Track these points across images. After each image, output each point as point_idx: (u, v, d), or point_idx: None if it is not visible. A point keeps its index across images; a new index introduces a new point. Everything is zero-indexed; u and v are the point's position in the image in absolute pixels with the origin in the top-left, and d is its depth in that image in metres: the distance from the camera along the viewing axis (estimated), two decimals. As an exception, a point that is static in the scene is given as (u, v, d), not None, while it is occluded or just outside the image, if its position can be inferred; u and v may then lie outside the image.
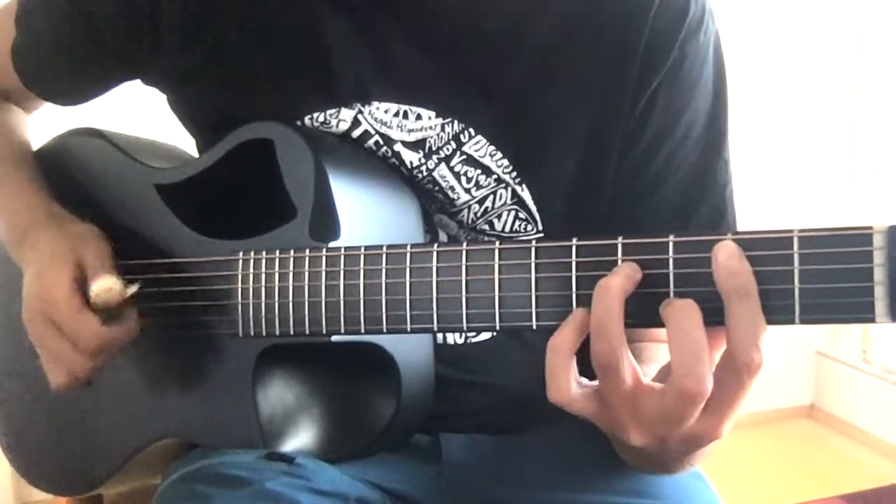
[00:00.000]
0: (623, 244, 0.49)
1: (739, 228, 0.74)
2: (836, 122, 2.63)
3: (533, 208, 0.71)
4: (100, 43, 0.73)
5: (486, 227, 0.71)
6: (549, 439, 0.78)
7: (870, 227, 0.43)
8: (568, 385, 0.50)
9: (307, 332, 0.62)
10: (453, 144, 0.69)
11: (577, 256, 0.51)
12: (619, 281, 0.48)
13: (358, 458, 0.71)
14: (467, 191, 0.70)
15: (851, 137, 2.63)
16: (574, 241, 0.51)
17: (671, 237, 0.48)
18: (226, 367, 0.69)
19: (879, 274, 0.42)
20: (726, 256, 0.46)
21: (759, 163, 2.46)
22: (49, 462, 0.85)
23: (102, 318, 0.67)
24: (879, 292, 0.42)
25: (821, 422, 2.70)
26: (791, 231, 0.44)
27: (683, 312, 0.47)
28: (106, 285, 0.67)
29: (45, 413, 0.83)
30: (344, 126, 0.69)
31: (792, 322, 0.45)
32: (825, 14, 2.57)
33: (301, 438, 0.69)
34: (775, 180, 2.55)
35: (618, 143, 0.69)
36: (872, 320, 0.42)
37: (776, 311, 0.45)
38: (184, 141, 0.81)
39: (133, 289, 0.68)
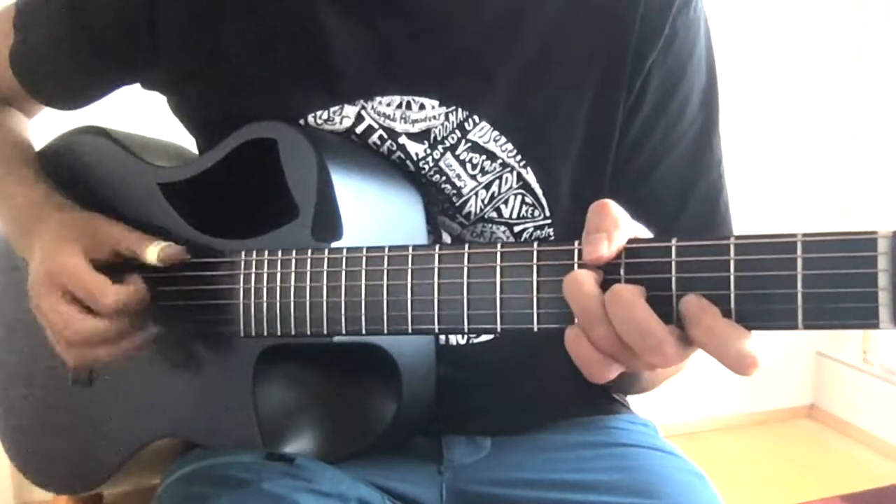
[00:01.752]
0: (625, 248, 0.49)
1: (741, 228, 0.75)
2: (837, 122, 2.63)
3: (539, 192, 0.71)
4: (98, 46, 0.73)
5: (494, 214, 0.71)
6: (550, 440, 0.78)
7: (874, 232, 0.42)
8: (610, 371, 0.50)
9: (308, 332, 0.62)
10: (458, 133, 0.69)
11: (579, 259, 0.50)
12: (585, 272, 0.49)
13: (358, 459, 0.70)
14: (473, 177, 0.70)
15: (852, 136, 2.63)
16: (576, 244, 0.51)
17: (674, 241, 0.48)
18: (226, 366, 0.69)
19: (883, 279, 0.42)
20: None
21: (758, 162, 2.46)
22: (50, 460, 0.85)
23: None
24: (883, 298, 0.42)
25: (821, 422, 2.70)
26: (794, 235, 0.44)
27: (620, 300, 0.47)
28: (162, 245, 0.68)
29: (47, 412, 0.84)
30: (347, 122, 0.69)
31: (795, 328, 0.44)
32: (824, 13, 2.56)
33: (301, 439, 0.69)
34: (776, 180, 2.55)
35: (618, 121, 0.70)
36: (876, 326, 0.42)
37: (779, 316, 0.45)
38: (185, 140, 0.81)
39: (187, 256, 0.69)
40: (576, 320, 0.49)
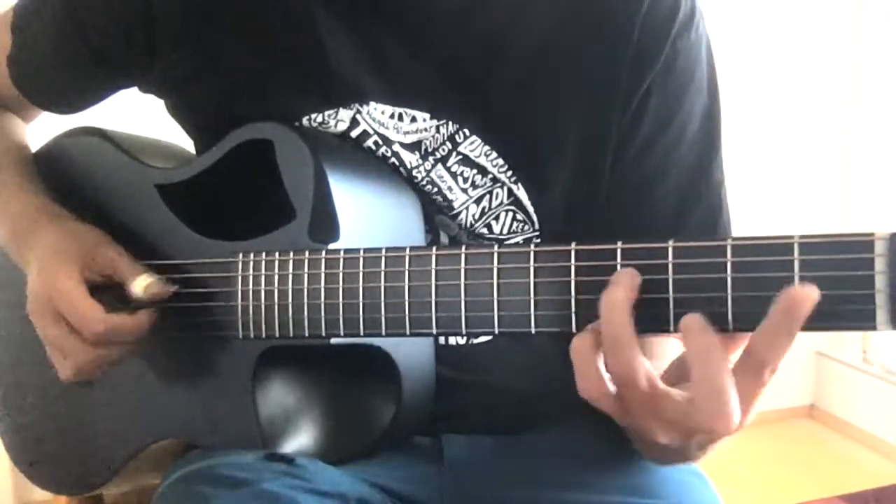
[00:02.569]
0: (622, 249, 0.49)
1: (739, 230, 0.75)
2: (836, 125, 2.63)
3: (530, 208, 0.71)
4: (95, 50, 0.73)
5: (485, 230, 0.71)
6: (550, 439, 0.78)
7: (871, 234, 0.42)
8: (599, 381, 0.50)
9: (306, 334, 0.62)
10: (449, 145, 0.69)
11: (576, 261, 0.50)
12: (623, 293, 0.48)
13: (358, 459, 0.70)
14: (464, 191, 0.70)
15: (851, 139, 2.63)
16: (573, 245, 0.50)
17: (670, 242, 0.48)
18: (226, 368, 0.69)
19: (880, 281, 0.42)
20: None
21: (757, 165, 2.45)
22: (50, 461, 0.85)
23: (108, 308, 0.67)
24: (880, 300, 0.42)
25: (821, 422, 2.70)
26: (791, 237, 0.44)
27: (708, 352, 0.46)
28: (153, 279, 0.67)
29: (48, 412, 0.84)
30: (342, 126, 0.69)
31: (793, 329, 0.44)
32: (824, 14, 2.56)
33: (301, 440, 0.69)
34: (774, 182, 2.55)
35: (613, 141, 0.69)
36: (874, 328, 0.42)
37: (777, 318, 0.45)
38: (183, 140, 0.81)
39: (174, 287, 0.68)
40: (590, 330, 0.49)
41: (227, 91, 0.71)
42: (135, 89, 0.77)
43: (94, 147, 0.79)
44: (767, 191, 2.50)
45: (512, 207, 0.71)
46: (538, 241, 0.72)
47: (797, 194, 2.59)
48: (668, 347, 0.64)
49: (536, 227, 0.71)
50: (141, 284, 0.67)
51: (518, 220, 0.71)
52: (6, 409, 0.89)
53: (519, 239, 0.72)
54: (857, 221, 2.57)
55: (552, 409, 0.80)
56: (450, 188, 0.70)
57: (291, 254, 0.62)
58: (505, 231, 0.71)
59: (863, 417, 2.57)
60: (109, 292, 0.69)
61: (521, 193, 0.70)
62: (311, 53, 0.68)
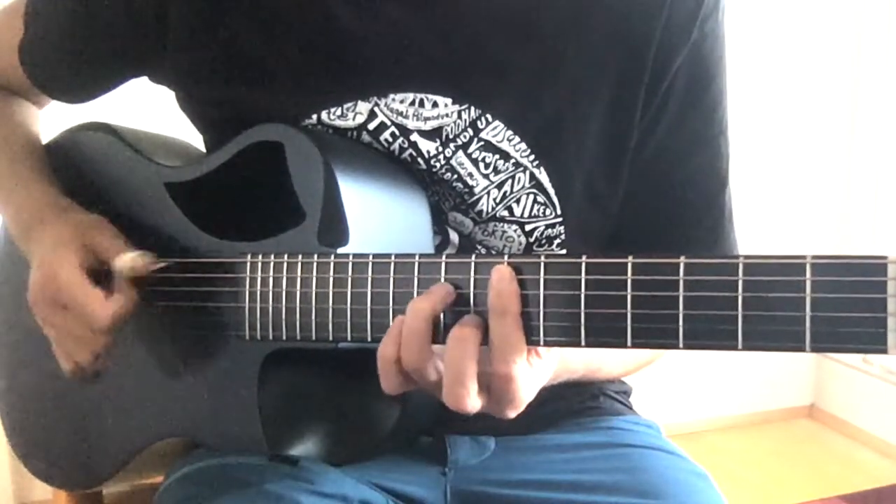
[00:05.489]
0: (633, 263, 0.49)
1: (739, 238, 0.76)
2: (836, 131, 2.62)
3: (551, 191, 0.70)
4: (107, 39, 0.73)
5: (506, 212, 0.71)
6: (554, 441, 0.78)
7: (884, 257, 0.42)
8: (399, 383, 0.57)
9: (313, 338, 0.62)
10: (470, 131, 0.69)
11: (586, 274, 0.50)
12: (429, 305, 0.54)
13: (363, 461, 0.71)
14: (486, 176, 0.70)
15: (850, 145, 2.62)
16: (584, 258, 0.50)
17: (682, 258, 0.48)
18: (232, 368, 0.69)
19: (892, 305, 0.42)
20: (497, 279, 0.52)
21: (756, 172, 2.44)
22: (53, 456, 0.85)
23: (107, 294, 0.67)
24: (892, 324, 0.42)
25: (821, 422, 2.71)
26: (804, 257, 0.44)
27: (461, 341, 0.52)
28: (133, 256, 0.67)
29: (52, 408, 0.84)
30: (360, 119, 0.69)
31: (802, 350, 0.44)
32: (825, 21, 2.55)
33: (306, 442, 0.69)
34: (774, 189, 2.54)
35: (636, 126, 0.69)
36: (885, 351, 0.42)
37: (786, 338, 0.45)
38: (192, 137, 0.81)
39: (161, 263, 0.68)
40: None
41: (241, 84, 0.70)
42: (146, 80, 0.77)
43: (104, 143, 0.79)
44: (767, 198, 2.49)
45: (533, 190, 0.70)
46: (560, 227, 0.72)
47: (796, 201, 2.58)
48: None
49: (558, 211, 0.71)
50: (123, 260, 0.67)
51: (539, 203, 0.71)
52: (12, 401, 0.89)
53: (541, 224, 0.72)
54: (855, 227, 2.56)
55: (556, 411, 0.80)
56: (470, 174, 0.70)
57: (300, 257, 0.62)
58: (526, 214, 0.71)
59: (863, 417, 2.57)
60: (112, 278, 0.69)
61: (543, 177, 0.70)
62: (328, 46, 0.67)
